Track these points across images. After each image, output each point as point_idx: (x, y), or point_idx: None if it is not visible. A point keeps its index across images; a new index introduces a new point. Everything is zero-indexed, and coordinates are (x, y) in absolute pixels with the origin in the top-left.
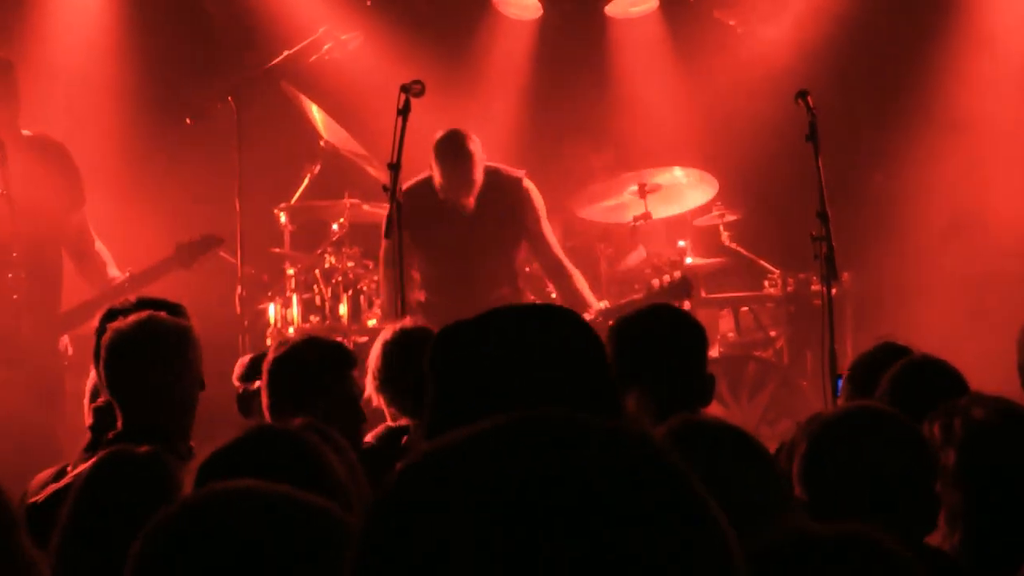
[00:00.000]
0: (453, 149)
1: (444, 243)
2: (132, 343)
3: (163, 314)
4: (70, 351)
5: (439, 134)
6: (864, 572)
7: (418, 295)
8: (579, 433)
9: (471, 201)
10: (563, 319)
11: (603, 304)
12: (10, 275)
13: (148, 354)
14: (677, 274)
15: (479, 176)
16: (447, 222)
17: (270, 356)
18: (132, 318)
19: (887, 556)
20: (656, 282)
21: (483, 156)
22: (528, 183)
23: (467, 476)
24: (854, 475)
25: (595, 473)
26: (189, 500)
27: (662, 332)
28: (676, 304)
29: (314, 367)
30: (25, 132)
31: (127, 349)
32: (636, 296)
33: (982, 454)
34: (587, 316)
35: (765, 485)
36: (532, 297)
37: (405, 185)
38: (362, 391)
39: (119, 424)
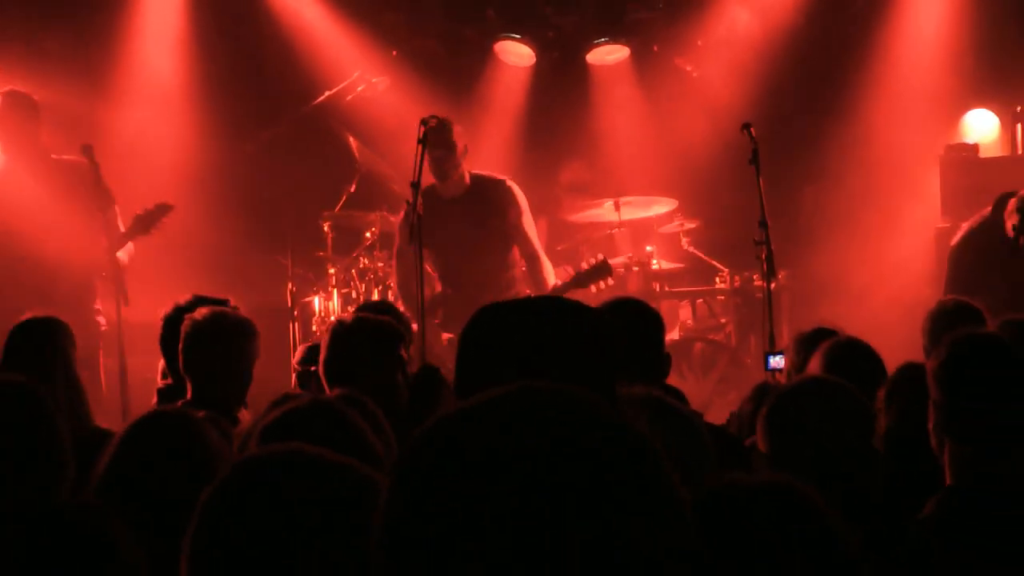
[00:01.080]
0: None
1: (446, 240)
2: (206, 331)
3: (227, 308)
4: (103, 326)
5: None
6: (781, 515)
7: (437, 287)
8: (558, 405)
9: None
10: (575, 312)
11: (553, 283)
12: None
13: (219, 339)
14: (600, 256)
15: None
16: (447, 222)
17: (326, 337)
18: (205, 311)
19: (803, 500)
20: (584, 264)
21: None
22: (511, 183)
23: (469, 440)
24: (809, 433)
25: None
26: (248, 458)
27: (626, 320)
28: (600, 281)
29: (365, 343)
30: (53, 156)
31: (203, 335)
32: (568, 280)
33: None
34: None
35: (693, 447)
36: (525, 289)
37: (406, 202)
38: (407, 363)
39: (188, 395)
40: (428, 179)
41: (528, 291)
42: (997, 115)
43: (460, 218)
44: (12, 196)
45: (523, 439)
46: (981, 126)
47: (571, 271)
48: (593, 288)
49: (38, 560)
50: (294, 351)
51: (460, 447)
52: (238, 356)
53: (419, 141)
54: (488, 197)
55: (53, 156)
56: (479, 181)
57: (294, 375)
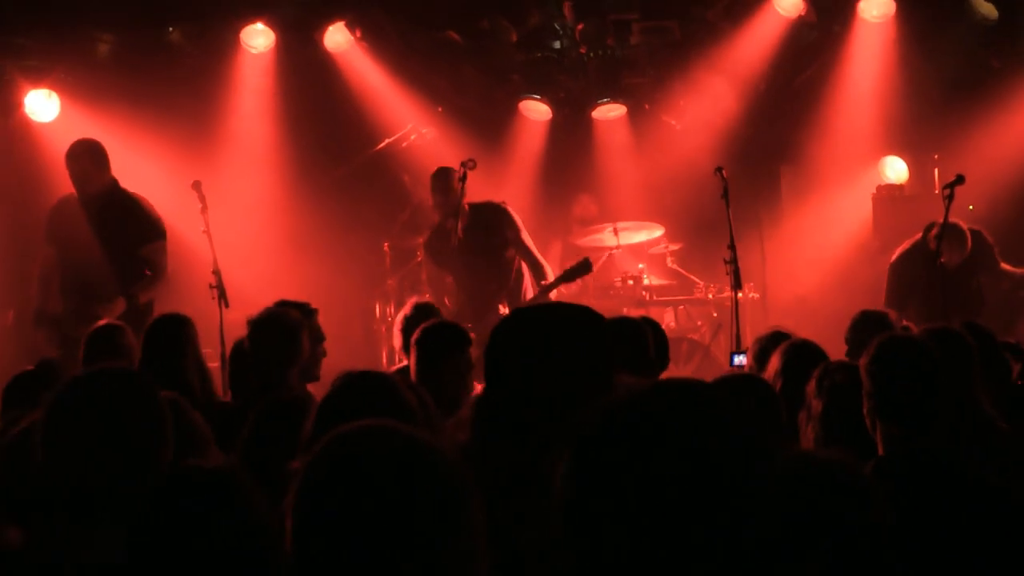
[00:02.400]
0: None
1: (454, 265)
2: (263, 327)
3: (290, 311)
4: None
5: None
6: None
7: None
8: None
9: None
10: (580, 317)
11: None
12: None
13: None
14: (583, 257)
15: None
16: (452, 249)
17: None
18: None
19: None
20: (569, 264)
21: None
22: (506, 206)
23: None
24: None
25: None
26: (340, 432)
27: (631, 333)
28: (580, 278)
29: (438, 345)
30: (124, 191)
31: (261, 331)
32: (557, 276)
33: (837, 404)
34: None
35: None
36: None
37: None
38: (473, 365)
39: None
40: (498, 198)
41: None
42: (914, 159)
43: (466, 242)
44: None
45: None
46: (894, 169)
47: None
48: (579, 281)
49: (169, 518)
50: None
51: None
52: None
53: (459, 179)
54: (487, 221)
55: (124, 191)
56: (478, 209)
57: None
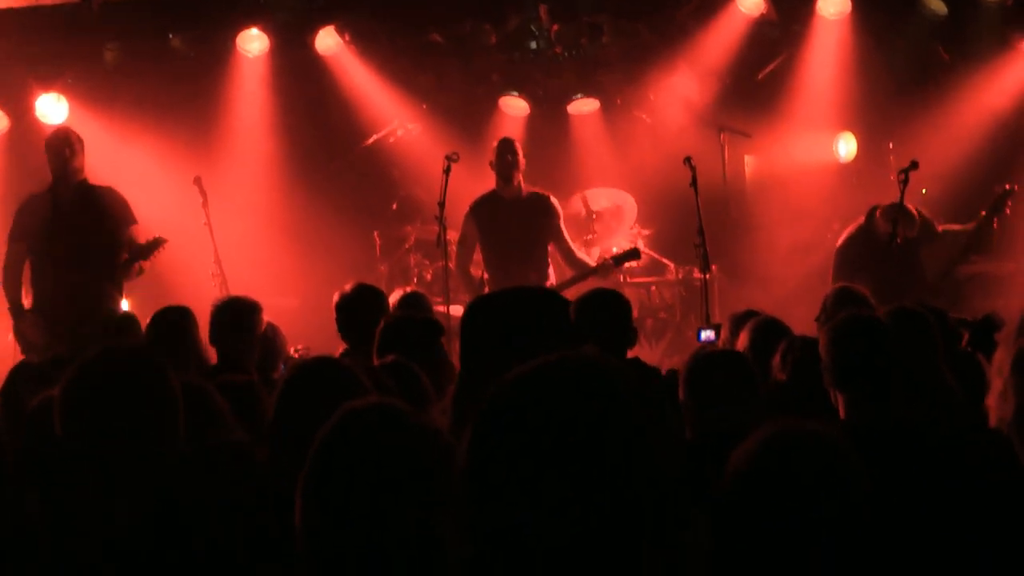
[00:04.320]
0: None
1: (501, 232)
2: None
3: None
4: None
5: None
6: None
7: (483, 273)
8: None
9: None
10: (543, 298)
11: (588, 263)
12: (76, 268)
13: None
14: (628, 245)
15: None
16: (504, 218)
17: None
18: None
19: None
20: (616, 249)
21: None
22: (554, 199)
23: (523, 402)
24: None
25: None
26: (352, 408)
27: (603, 303)
28: (627, 264)
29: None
30: (89, 182)
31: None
32: (602, 262)
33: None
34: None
35: None
36: (551, 278)
37: (474, 200)
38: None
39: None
40: (469, 189)
41: (554, 280)
42: (869, 146)
43: (515, 217)
44: (45, 219)
45: (563, 399)
46: (846, 146)
47: (605, 256)
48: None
49: (191, 490)
50: None
51: (519, 406)
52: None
53: (444, 171)
54: (537, 205)
55: (89, 182)
56: (531, 193)
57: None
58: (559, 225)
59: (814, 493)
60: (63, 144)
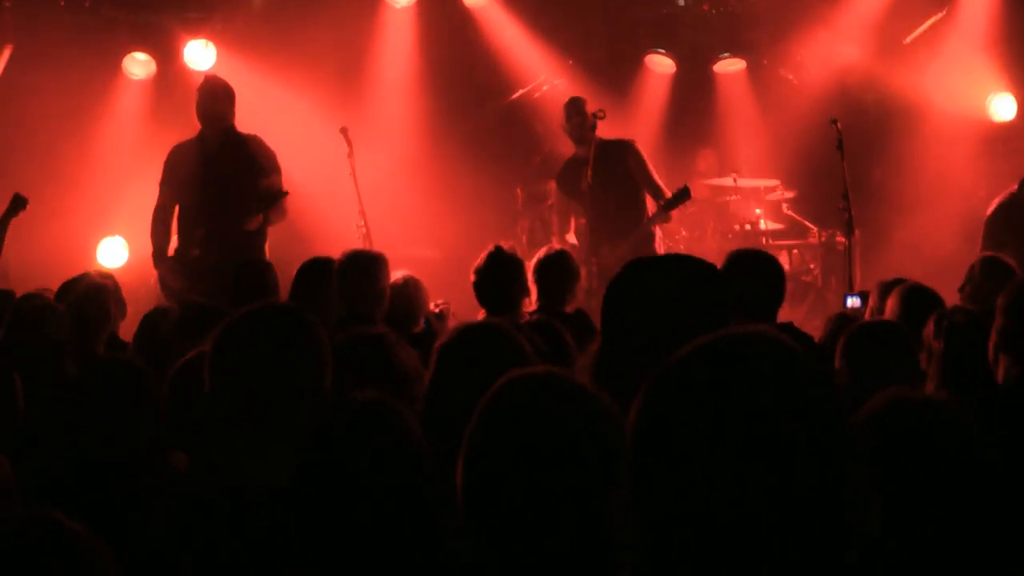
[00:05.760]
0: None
1: (581, 191)
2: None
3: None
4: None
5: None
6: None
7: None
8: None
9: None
10: (695, 268)
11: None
12: (220, 215)
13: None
14: (683, 185)
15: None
16: (580, 176)
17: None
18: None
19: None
20: (668, 192)
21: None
22: (631, 141)
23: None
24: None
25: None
26: (514, 378)
27: (755, 265)
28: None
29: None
30: (236, 130)
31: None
32: (657, 209)
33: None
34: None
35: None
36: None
37: (559, 170)
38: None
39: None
40: (570, 148)
41: (658, 232)
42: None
43: (596, 176)
44: (195, 162)
45: (750, 376)
46: (1005, 106)
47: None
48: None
49: (335, 444)
50: None
51: (699, 385)
52: None
53: (590, 128)
54: (612, 153)
55: (236, 130)
56: (607, 143)
57: None
58: (644, 167)
59: (928, 458)
60: (213, 92)
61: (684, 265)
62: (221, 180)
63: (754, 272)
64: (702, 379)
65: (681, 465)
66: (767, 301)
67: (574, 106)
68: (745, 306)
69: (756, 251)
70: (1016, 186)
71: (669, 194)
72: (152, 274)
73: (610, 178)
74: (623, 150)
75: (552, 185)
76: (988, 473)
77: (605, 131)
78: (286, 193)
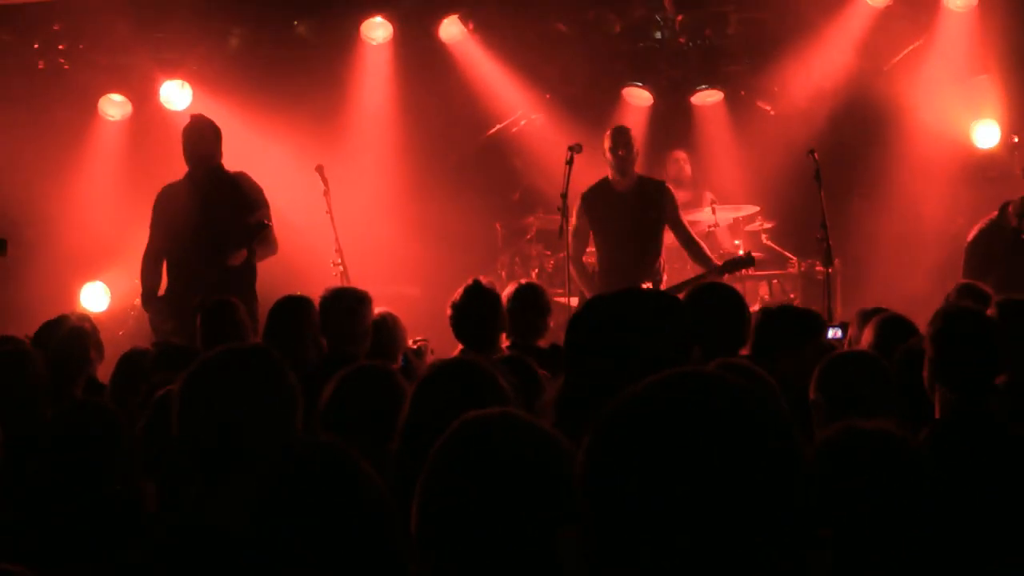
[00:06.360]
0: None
1: (614, 223)
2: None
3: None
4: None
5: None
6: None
7: (595, 262)
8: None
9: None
10: (656, 302)
11: (716, 264)
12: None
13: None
14: (743, 252)
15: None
16: (618, 209)
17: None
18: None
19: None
20: (737, 241)
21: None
22: (668, 186)
23: (650, 416)
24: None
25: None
26: (470, 418)
27: (717, 301)
28: (742, 271)
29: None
30: (226, 170)
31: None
32: (718, 266)
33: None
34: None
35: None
36: (663, 271)
37: (585, 188)
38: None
39: None
40: (591, 180)
41: (666, 276)
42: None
43: (628, 207)
44: (185, 202)
45: (693, 417)
46: (987, 134)
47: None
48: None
49: (298, 487)
50: None
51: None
52: None
53: (567, 162)
54: (650, 194)
55: (226, 170)
56: (644, 181)
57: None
58: (675, 213)
59: (863, 493)
60: (200, 132)
61: (644, 300)
62: (213, 220)
63: (716, 306)
64: (641, 421)
65: (623, 507)
66: (729, 335)
67: (622, 136)
68: (706, 341)
69: (719, 285)
70: (996, 212)
71: (702, 244)
72: (132, 316)
73: (644, 219)
74: (661, 193)
75: (530, 221)
76: (935, 501)
77: (583, 166)
78: (267, 225)
